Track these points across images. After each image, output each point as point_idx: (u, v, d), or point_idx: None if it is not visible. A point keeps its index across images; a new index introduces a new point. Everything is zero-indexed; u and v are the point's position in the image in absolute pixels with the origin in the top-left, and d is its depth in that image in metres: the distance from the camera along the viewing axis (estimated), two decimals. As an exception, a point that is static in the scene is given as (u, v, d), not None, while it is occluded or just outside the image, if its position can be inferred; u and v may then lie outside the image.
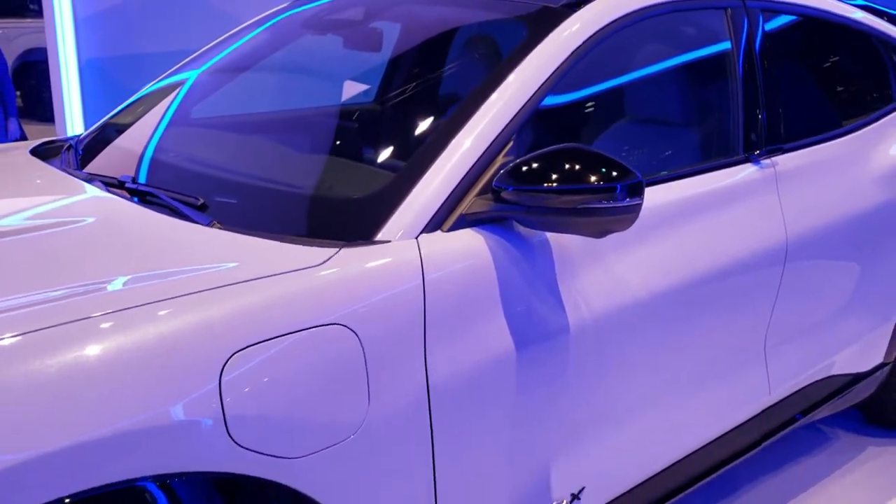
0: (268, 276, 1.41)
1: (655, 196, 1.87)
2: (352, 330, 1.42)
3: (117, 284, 1.40)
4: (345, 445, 1.42)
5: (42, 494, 1.13)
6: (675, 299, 1.94)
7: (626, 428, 1.95)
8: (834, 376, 2.59)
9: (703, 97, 2.32)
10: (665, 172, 2.04)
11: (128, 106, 2.47)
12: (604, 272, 1.81)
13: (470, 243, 1.61)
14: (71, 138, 2.46)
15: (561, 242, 1.74)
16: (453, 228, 1.61)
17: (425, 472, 1.55)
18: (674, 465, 2.10)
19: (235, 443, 1.29)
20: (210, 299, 1.34)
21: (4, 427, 1.13)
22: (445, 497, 1.59)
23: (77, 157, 2.22)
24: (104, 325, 1.25)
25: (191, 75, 2.41)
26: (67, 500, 1.14)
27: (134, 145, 2.17)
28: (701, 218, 2.02)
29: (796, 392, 2.45)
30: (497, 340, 1.62)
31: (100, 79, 5.44)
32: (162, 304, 1.30)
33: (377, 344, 1.45)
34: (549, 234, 1.71)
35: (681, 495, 2.16)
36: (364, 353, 1.43)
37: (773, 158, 2.24)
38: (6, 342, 1.19)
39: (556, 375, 1.75)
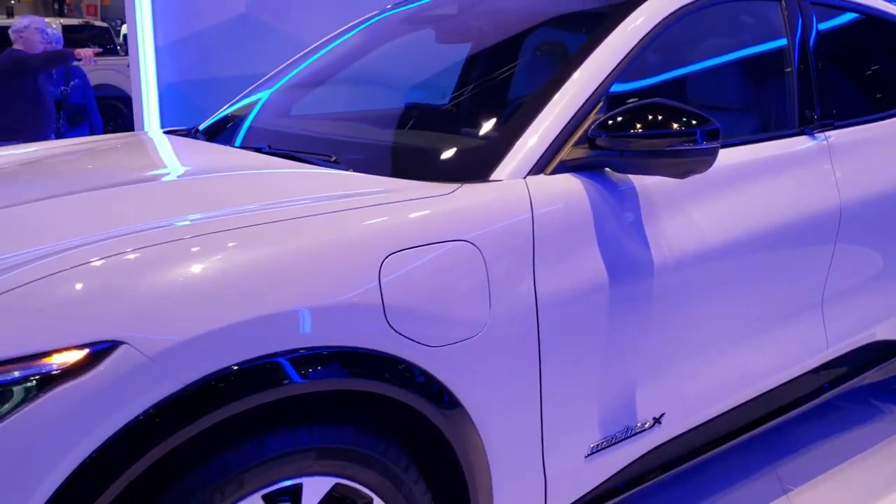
0: (409, 200, 1.71)
1: (725, 157, 2.13)
2: (476, 247, 1.69)
3: (297, 201, 1.72)
4: (473, 341, 1.68)
5: (251, 350, 1.42)
6: (743, 248, 2.19)
7: (703, 364, 2.19)
8: (882, 341, 2.79)
9: (761, 77, 2.60)
10: (732, 139, 2.30)
11: (241, 98, 2.81)
12: (683, 219, 2.06)
13: (569, 185, 1.88)
14: (190, 127, 2.80)
15: (645, 191, 2.00)
16: (554, 172, 1.89)
17: (533, 372, 1.80)
18: (743, 404, 2.32)
19: (391, 327, 1.56)
20: (370, 213, 1.65)
21: (231, 294, 1.43)
22: (548, 397, 1.83)
23: (208, 136, 2.56)
24: (295, 226, 1.57)
25: (301, 68, 2.75)
26: (287, 353, 1.44)
27: (259, 124, 2.51)
28: (764, 178, 2.27)
29: (849, 352, 2.66)
30: (592, 269, 1.88)
31: (177, 101, 5.85)
32: (337, 215, 1.63)
33: (496, 261, 1.72)
34: (635, 182, 1.98)
35: (745, 436, 2.37)
36: (486, 267, 1.70)
37: (826, 133, 2.50)
38: (235, 233, 1.52)
39: (641, 307, 1.99)
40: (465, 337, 1.67)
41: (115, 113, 9.72)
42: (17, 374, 1.28)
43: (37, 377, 1.29)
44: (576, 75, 1.99)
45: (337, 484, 1.58)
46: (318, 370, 1.50)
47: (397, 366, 1.59)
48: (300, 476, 1.53)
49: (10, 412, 1.27)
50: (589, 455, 1.98)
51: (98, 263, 1.41)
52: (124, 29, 17.61)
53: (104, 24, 13.80)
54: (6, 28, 11.36)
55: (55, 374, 1.29)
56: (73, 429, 1.29)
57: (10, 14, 23.69)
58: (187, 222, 1.59)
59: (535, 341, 1.80)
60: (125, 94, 10.81)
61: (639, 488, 2.14)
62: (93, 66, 5.92)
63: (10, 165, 2.41)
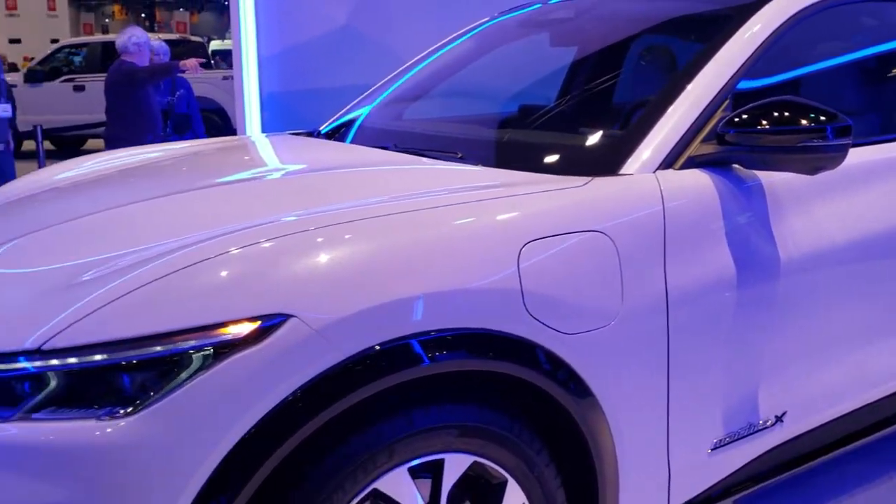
0: (545, 191, 1.77)
1: (851, 156, 2.12)
2: (610, 238, 1.74)
3: (436, 192, 1.81)
4: (605, 331, 1.72)
5: (403, 328, 1.49)
6: (869, 248, 2.17)
7: (826, 363, 2.17)
8: None
9: (886, 78, 2.58)
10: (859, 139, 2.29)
11: (360, 102, 2.92)
12: (808, 217, 2.06)
13: (699, 180, 1.91)
14: (312, 130, 2.93)
15: (772, 188, 2.01)
16: (683, 167, 1.92)
17: (661, 364, 1.83)
18: (868, 405, 2.29)
19: (529, 313, 1.61)
20: (508, 203, 1.73)
21: (385, 275, 1.51)
22: (675, 390, 1.86)
23: (330, 138, 2.68)
24: (439, 214, 1.66)
25: (418, 70, 2.85)
26: (433, 333, 1.52)
27: (380, 125, 2.61)
28: (891, 179, 2.25)
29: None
30: (721, 265, 1.90)
31: (278, 111, 6.06)
32: (478, 204, 1.71)
33: (628, 252, 1.76)
34: (762, 179, 1.99)
35: (869, 438, 2.34)
36: (619, 257, 1.74)
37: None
38: (385, 220, 1.63)
39: (767, 304, 2.00)
40: (598, 326, 1.72)
41: (210, 125, 10.09)
42: (194, 342, 1.39)
43: (213, 346, 1.39)
44: (704, 72, 2.02)
45: (475, 462, 1.64)
46: (462, 350, 1.57)
47: (534, 351, 1.64)
48: (443, 452, 1.60)
49: (189, 378, 1.37)
50: (713, 450, 1.99)
51: (267, 244, 1.51)
52: (213, 45, 18.38)
53: (199, 39, 14.37)
54: (105, 44, 12.05)
55: (230, 344, 1.39)
56: (246, 395, 1.38)
57: (106, 31, 24.83)
58: (340, 210, 1.68)
59: (664, 334, 1.83)
60: (219, 106, 11.25)
61: (759, 486, 2.14)
62: (199, 74, 6.17)
63: (136, 165, 2.57)
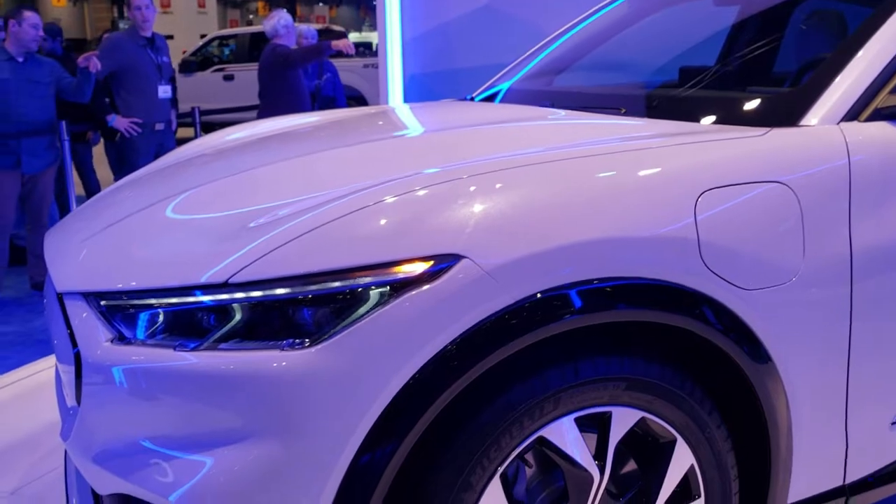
0: (722, 139, 1.69)
1: None
2: (792, 190, 1.64)
3: (607, 140, 1.77)
4: (785, 288, 1.63)
5: (574, 274, 1.47)
6: None
7: None
8: None
9: None
10: None
11: (511, 68, 2.90)
12: None
13: (886, 133, 1.78)
14: (468, 96, 2.94)
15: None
16: (869, 120, 1.79)
17: (843, 328, 1.71)
18: None
19: (706, 265, 1.55)
20: (684, 151, 1.67)
21: (556, 220, 1.49)
22: (857, 356, 1.74)
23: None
24: (611, 160, 1.62)
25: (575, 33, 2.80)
26: (603, 281, 1.48)
27: (537, 87, 2.58)
28: None
29: None
30: (911, 223, 1.76)
31: (420, 91, 6.14)
32: (652, 151, 1.67)
33: (812, 206, 1.66)
34: (955, 133, 1.83)
35: None
36: (801, 211, 1.64)
37: None
38: (558, 164, 1.61)
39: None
40: (778, 283, 1.62)
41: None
42: (370, 279, 1.41)
43: (390, 284, 1.40)
44: (893, 19, 1.87)
45: (642, 418, 1.59)
46: (632, 300, 1.52)
47: (708, 305, 1.57)
48: (610, 405, 1.56)
49: (366, 314, 1.39)
50: (895, 423, 1.86)
51: (440, 188, 1.51)
52: (351, 37, 18.93)
53: (341, 29, 14.78)
54: (254, 34, 12.57)
55: (405, 283, 1.40)
56: (421, 332, 1.39)
57: (250, 25, 25.93)
58: (507, 157, 1.67)
59: (847, 295, 1.71)
60: (360, 94, 11.53)
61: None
62: (352, 53, 6.32)
63: (291, 128, 2.65)
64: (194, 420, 1.43)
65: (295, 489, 1.38)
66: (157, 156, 5.45)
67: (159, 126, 5.47)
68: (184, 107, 6.73)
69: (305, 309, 1.42)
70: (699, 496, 1.67)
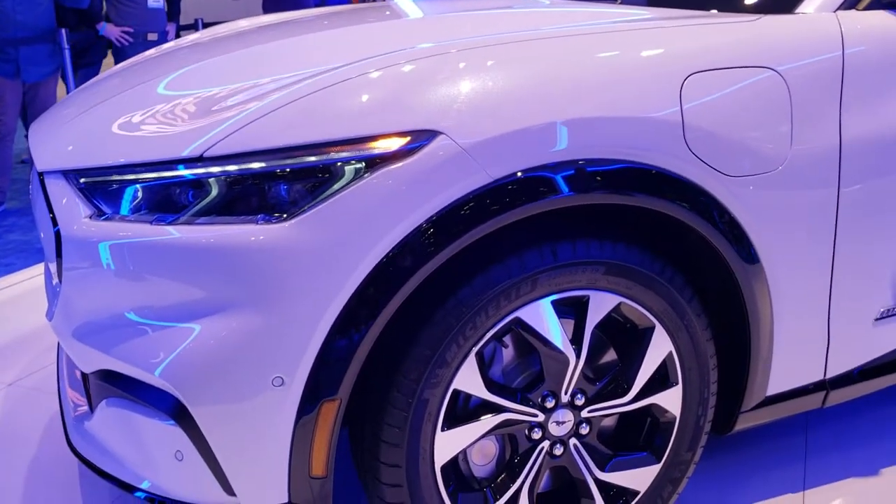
0: (711, 23, 1.65)
1: None
2: (782, 77, 1.61)
3: (596, 23, 1.77)
4: (770, 177, 1.61)
5: (550, 155, 1.45)
6: None
7: None
8: None
9: None
10: None
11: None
12: None
13: (886, 23, 1.73)
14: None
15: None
16: (868, 8, 1.74)
17: (829, 221, 1.70)
18: None
19: (689, 149, 1.52)
20: (671, 33, 1.63)
21: (535, 98, 1.46)
22: (842, 249, 1.72)
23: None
24: (596, 40, 1.60)
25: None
26: (581, 162, 1.47)
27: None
28: None
29: None
30: (904, 117, 1.72)
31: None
32: (638, 32, 1.65)
33: (802, 94, 1.62)
34: (961, 24, 1.77)
35: None
36: (791, 99, 1.61)
37: None
38: (541, 43, 1.59)
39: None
40: (763, 171, 1.60)
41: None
42: (346, 154, 1.39)
43: (365, 159, 1.39)
44: None
45: (621, 304, 1.60)
46: (613, 184, 1.50)
47: (691, 190, 1.55)
48: (588, 289, 1.56)
49: (341, 189, 1.38)
50: (879, 319, 1.86)
51: (425, 63, 1.49)
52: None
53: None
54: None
55: (381, 158, 1.39)
56: (396, 208, 1.38)
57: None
58: (486, 36, 1.63)
59: (834, 188, 1.69)
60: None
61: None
62: None
63: (286, 19, 2.61)
64: (173, 293, 1.43)
65: (273, 360, 1.40)
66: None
67: (152, 37, 5.38)
68: (187, 18, 6.64)
69: (281, 183, 1.41)
70: (676, 383, 1.69)
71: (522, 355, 1.62)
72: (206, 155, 1.42)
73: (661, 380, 1.68)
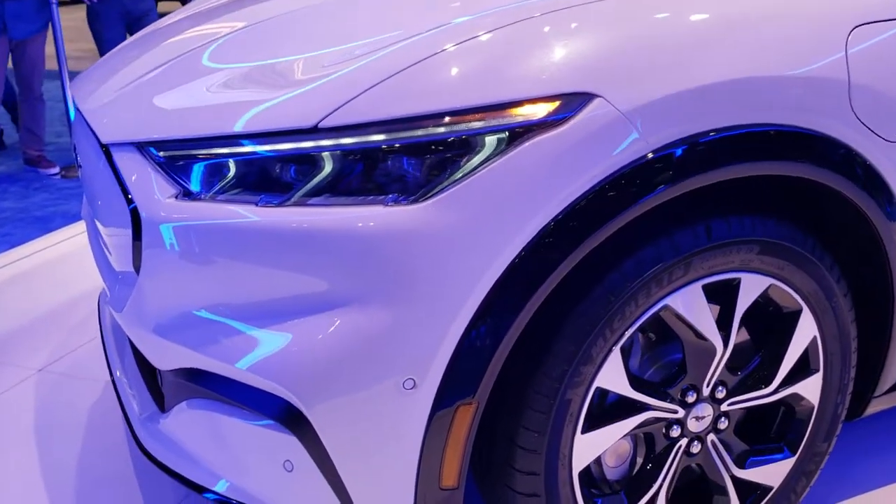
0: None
1: None
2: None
3: None
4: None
5: (709, 122, 1.26)
6: None
7: None
8: None
9: None
10: None
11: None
12: None
13: None
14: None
15: None
16: None
17: None
18: None
19: (854, 113, 1.35)
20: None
21: (688, 58, 1.28)
22: None
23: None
24: None
25: None
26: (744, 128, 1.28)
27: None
28: None
29: None
30: None
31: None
32: None
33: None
34: None
35: None
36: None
37: None
38: None
39: None
40: (929, 137, 1.44)
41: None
42: (483, 123, 1.20)
43: (507, 129, 1.20)
44: None
45: (771, 286, 1.43)
46: (777, 151, 1.33)
47: (850, 157, 1.38)
48: (741, 270, 1.39)
49: (481, 164, 1.19)
50: None
51: (556, 16, 1.29)
52: None
53: None
54: None
55: (525, 127, 1.20)
56: (543, 186, 1.19)
57: None
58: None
59: None
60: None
61: None
62: None
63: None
64: (284, 285, 1.24)
65: (403, 361, 1.22)
66: (127, 25, 5.07)
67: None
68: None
69: (410, 159, 1.21)
70: (817, 370, 1.54)
71: (663, 346, 1.45)
72: (321, 126, 1.22)
73: (801, 367, 1.53)
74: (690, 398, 1.45)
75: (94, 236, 1.80)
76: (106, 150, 1.45)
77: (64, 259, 3.38)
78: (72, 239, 3.60)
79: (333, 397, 1.24)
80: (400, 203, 1.19)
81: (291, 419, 1.27)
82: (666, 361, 1.46)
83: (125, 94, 1.56)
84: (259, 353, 1.27)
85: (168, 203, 1.31)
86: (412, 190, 1.20)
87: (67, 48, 4.97)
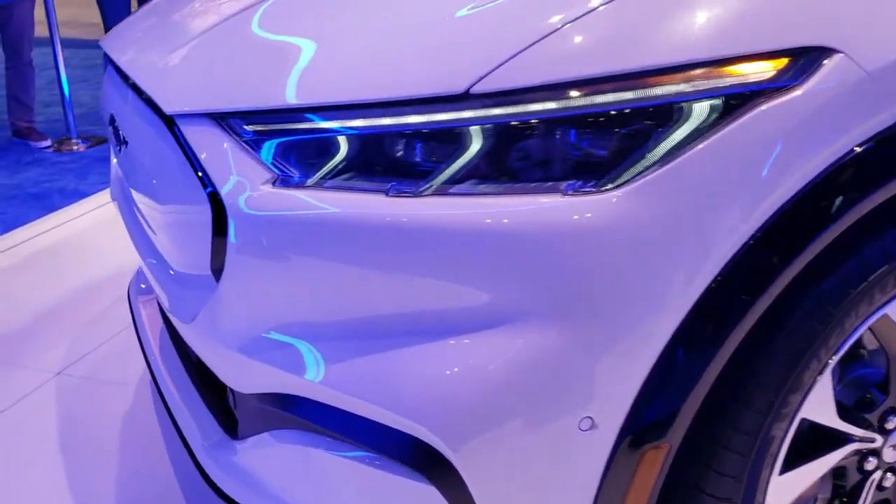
0: None
1: None
2: None
3: None
4: None
5: None
6: None
7: None
8: None
9: None
10: None
11: None
12: None
13: None
14: None
15: None
16: None
17: None
18: None
19: None
20: None
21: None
22: None
23: None
24: None
25: None
26: None
27: None
28: None
29: None
30: None
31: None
32: None
33: None
34: None
35: None
36: None
37: None
38: None
39: None
40: None
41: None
42: (688, 88, 0.92)
43: (721, 95, 0.92)
44: None
45: None
46: None
47: None
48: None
49: (689, 141, 0.91)
50: None
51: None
52: None
53: None
54: None
55: (744, 92, 0.92)
56: (772, 166, 0.92)
57: None
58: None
59: None
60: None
61: None
62: None
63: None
64: (414, 297, 0.97)
65: (581, 394, 0.95)
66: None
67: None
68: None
69: (590, 134, 0.94)
70: None
71: (864, 365, 1.19)
72: (473, 91, 0.94)
73: None
74: (890, 424, 1.19)
75: (136, 226, 1.50)
76: (170, 122, 1.16)
77: (70, 243, 3.07)
78: (77, 220, 3.29)
79: (488, 441, 0.97)
80: (583, 192, 0.91)
81: (430, 465, 1.00)
82: (866, 383, 1.20)
83: (191, 53, 1.26)
84: (387, 382, 0.99)
85: (264, 192, 1.02)
86: (597, 175, 0.92)
87: (60, 14, 4.61)
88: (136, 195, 1.41)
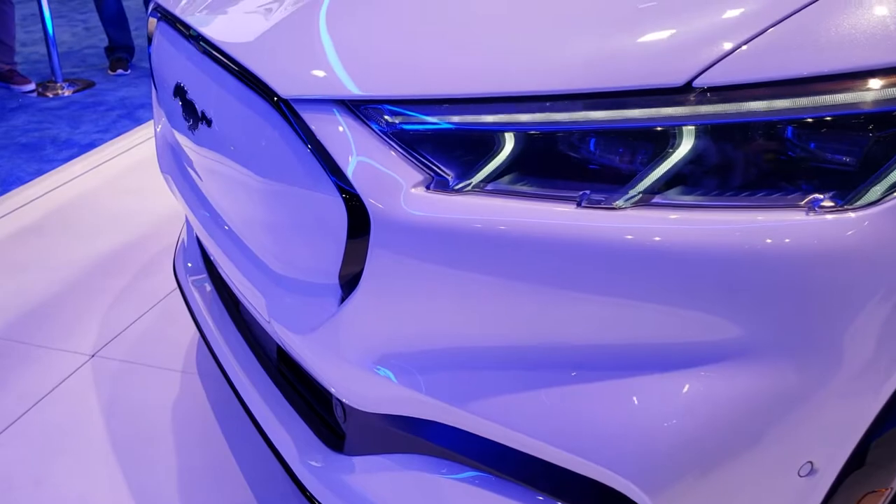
0: None
1: None
2: None
3: None
4: None
5: None
6: None
7: None
8: None
9: None
10: None
11: None
12: None
13: None
14: None
15: None
16: None
17: None
18: None
19: None
20: None
21: None
22: None
23: None
24: None
25: None
26: None
27: None
28: None
29: None
30: None
31: None
32: None
33: None
34: None
35: None
36: None
37: None
38: None
39: None
40: None
41: None
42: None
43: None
44: None
45: None
46: None
47: None
48: None
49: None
50: None
51: None
52: None
53: None
54: None
55: None
56: None
57: None
58: None
59: None
60: None
61: None
62: None
63: None
64: (606, 323, 0.83)
65: (807, 438, 0.83)
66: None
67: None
68: None
69: (834, 137, 0.80)
70: None
71: None
72: (696, 84, 0.79)
73: None
74: None
75: (205, 209, 1.33)
76: (285, 108, 0.99)
77: (79, 204, 2.84)
78: (83, 176, 3.07)
79: (689, 488, 0.85)
80: (834, 210, 0.78)
81: (613, 512, 0.88)
82: None
83: (306, 22, 1.07)
84: (565, 419, 0.86)
85: (416, 194, 0.87)
86: (847, 188, 0.78)
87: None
88: (217, 182, 1.24)
